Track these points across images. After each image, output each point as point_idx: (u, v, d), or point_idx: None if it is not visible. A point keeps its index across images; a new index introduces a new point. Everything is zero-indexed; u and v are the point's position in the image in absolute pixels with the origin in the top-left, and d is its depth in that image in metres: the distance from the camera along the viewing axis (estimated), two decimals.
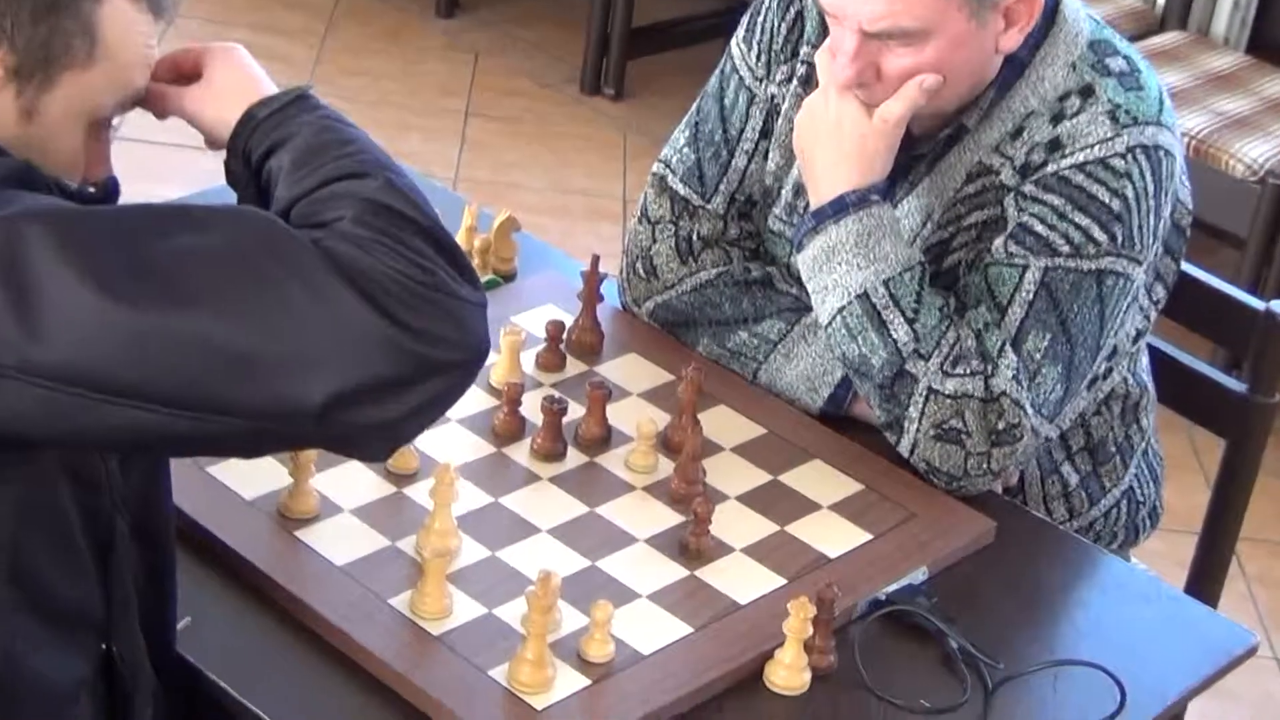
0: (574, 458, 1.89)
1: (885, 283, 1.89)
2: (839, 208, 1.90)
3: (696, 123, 2.10)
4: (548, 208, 3.87)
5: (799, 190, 2.04)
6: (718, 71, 2.11)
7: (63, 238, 1.31)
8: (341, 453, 1.44)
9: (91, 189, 1.48)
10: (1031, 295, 1.89)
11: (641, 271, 2.09)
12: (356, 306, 1.32)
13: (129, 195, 2.01)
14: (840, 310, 1.91)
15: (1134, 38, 3.62)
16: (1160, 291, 2.05)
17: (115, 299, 1.30)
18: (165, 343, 1.30)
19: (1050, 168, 1.91)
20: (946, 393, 1.88)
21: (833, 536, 1.82)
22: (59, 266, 1.29)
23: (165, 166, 3.82)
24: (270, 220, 1.36)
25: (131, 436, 1.33)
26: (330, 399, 1.31)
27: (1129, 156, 1.89)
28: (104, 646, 1.50)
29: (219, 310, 1.31)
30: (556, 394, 1.90)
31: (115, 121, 1.50)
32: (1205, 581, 2.30)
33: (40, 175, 1.40)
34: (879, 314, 1.89)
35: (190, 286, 1.31)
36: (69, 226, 1.32)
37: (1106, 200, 1.89)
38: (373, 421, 1.34)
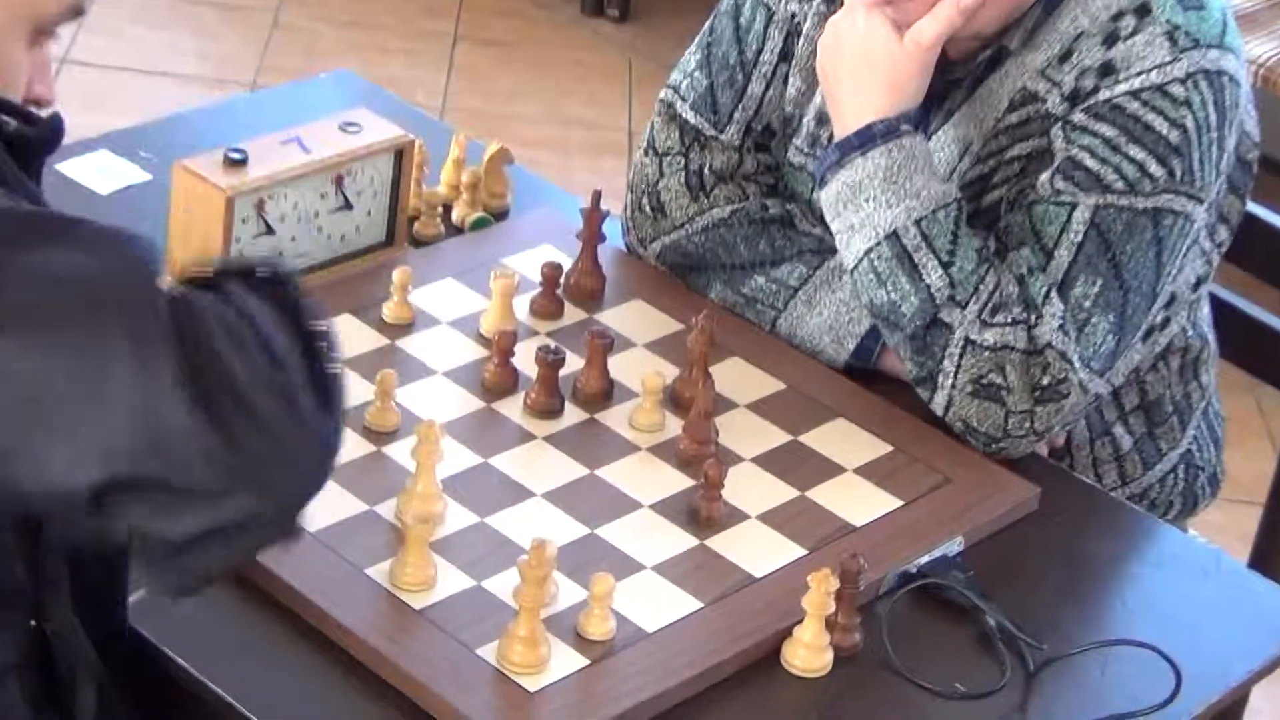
0: (572, 414, 1.89)
1: (917, 222, 1.89)
2: (866, 139, 1.90)
3: (709, 44, 2.09)
4: (544, 140, 3.87)
5: (822, 119, 2.03)
6: None
7: None
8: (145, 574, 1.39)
9: (35, 118, 1.46)
10: (1080, 236, 1.89)
11: (648, 209, 2.09)
12: (181, 406, 1.26)
13: (82, 127, 2.01)
14: (868, 252, 1.91)
15: None
16: (1223, 233, 2.05)
17: None
18: None
19: (1102, 95, 1.90)
20: (985, 344, 1.88)
21: (858, 503, 1.83)
22: None
23: (119, 93, 3.80)
24: (140, 261, 1.31)
25: None
26: (103, 484, 1.25)
27: (1189, 83, 1.88)
28: (33, 624, 1.49)
29: (28, 342, 1.26)
30: (553, 344, 1.90)
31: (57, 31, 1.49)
32: (1271, 555, 2.30)
33: None
34: (910, 257, 1.89)
35: (18, 308, 1.26)
36: None
37: (1164, 131, 1.88)
38: (147, 529, 1.29)
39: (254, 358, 1.29)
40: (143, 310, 1.28)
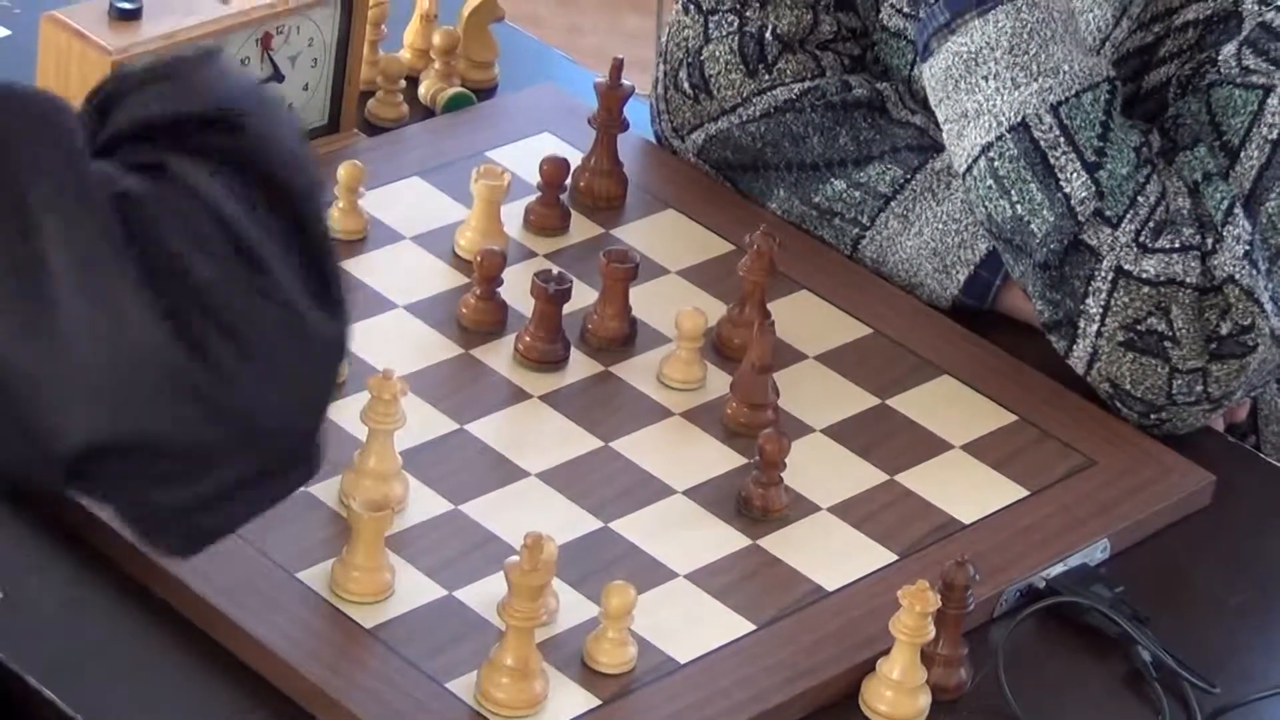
0: (580, 365, 1.90)
1: (1054, 108, 1.90)
2: None
3: None
4: None
5: None
6: None
7: None
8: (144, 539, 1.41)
9: None
10: (1277, 132, 1.91)
11: (687, 86, 2.10)
12: (147, 320, 1.27)
13: None
14: (986, 149, 1.91)
15: None
16: None
17: None
18: None
19: None
20: (1145, 276, 1.89)
21: (968, 492, 1.84)
22: None
23: None
24: (58, 116, 1.31)
25: None
26: (89, 449, 1.28)
27: None
28: None
29: None
30: (554, 268, 1.90)
31: None
32: None
33: None
34: (1044, 156, 1.90)
35: None
36: None
37: None
38: (159, 503, 1.33)
39: (227, 263, 1.30)
40: (70, 200, 1.28)
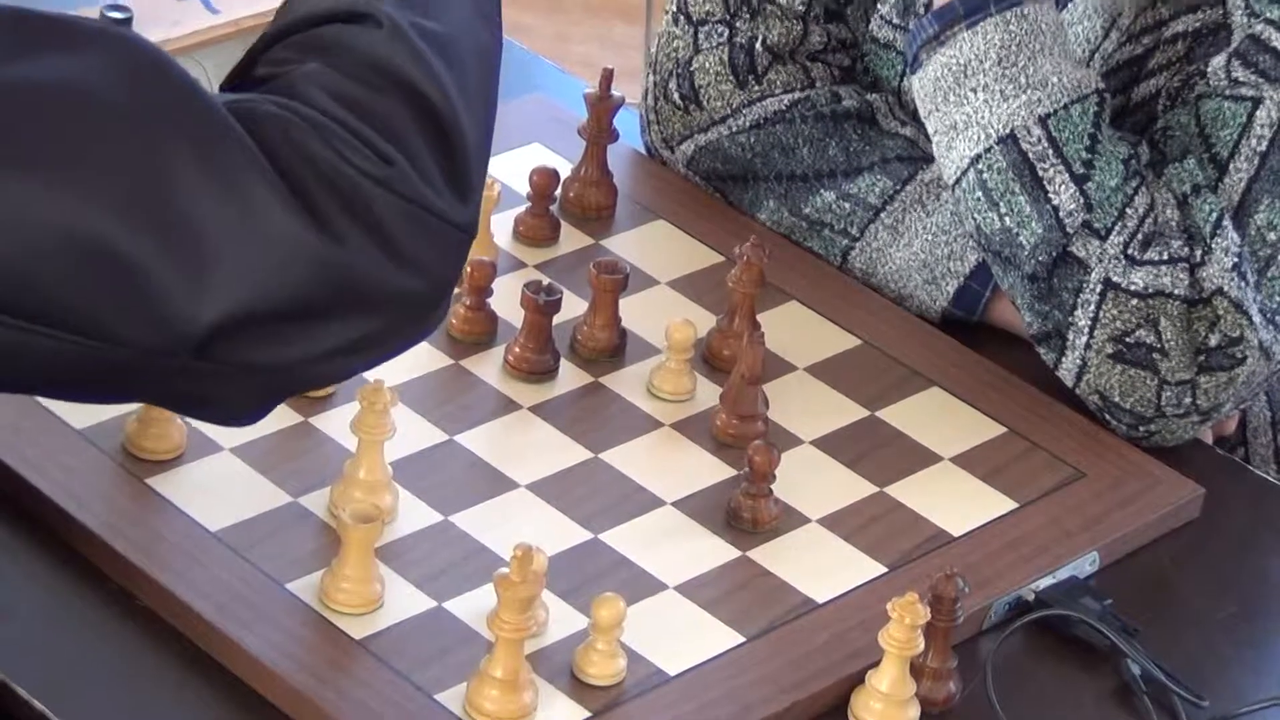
0: (570, 376, 1.90)
1: (1043, 120, 1.90)
2: (975, 5, 1.91)
3: None
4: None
5: None
6: None
7: None
8: (192, 409, 1.47)
9: None
10: (1265, 144, 1.90)
11: (677, 97, 2.09)
12: (269, 199, 1.36)
13: None
14: (975, 161, 1.91)
15: None
16: None
17: None
18: None
19: None
20: (1133, 288, 1.88)
21: (958, 504, 1.84)
22: None
23: None
24: (166, 61, 1.39)
25: None
26: (219, 324, 1.35)
27: None
28: None
29: (69, 177, 1.33)
30: (544, 279, 1.90)
31: None
32: None
33: None
34: (1033, 167, 1.89)
35: (29, 136, 1.33)
36: None
37: None
38: (262, 361, 1.38)
39: (357, 151, 1.39)
40: (192, 112, 1.37)
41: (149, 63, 1.39)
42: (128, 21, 1.95)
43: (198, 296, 1.34)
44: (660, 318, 1.91)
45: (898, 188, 2.03)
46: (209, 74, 1.97)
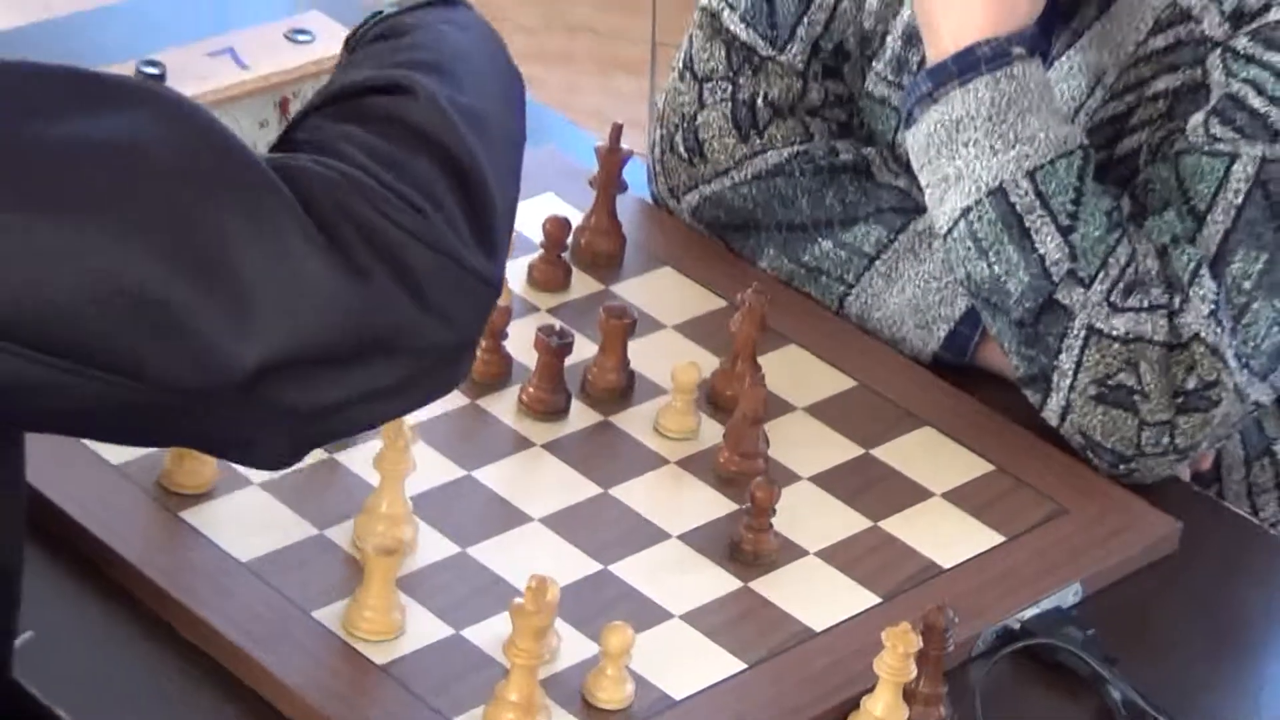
0: (580, 415, 1.90)
1: (1030, 174, 1.90)
2: (967, 65, 1.92)
3: None
4: (543, 52, 3.88)
5: (911, 38, 2.05)
6: None
7: None
8: (229, 452, 1.47)
9: None
10: (1241, 197, 1.90)
11: (682, 149, 2.10)
12: (308, 249, 1.37)
13: None
14: (966, 212, 1.92)
15: None
16: None
17: None
18: (38, 259, 1.32)
19: (1275, 14, 1.92)
20: (1115, 334, 1.89)
21: (947, 538, 1.84)
22: None
23: None
24: (219, 127, 1.40)
25: None
26: (259, 367, 1.35)
27: None
28: None
29: (121, 227, 1.34)
30: (557, 323, 1.91)
31: None
32: None
33: None
34: (1020, 219, 1.90)
35: (84, 187, 1.34)
36: None
37: None
38: (300, 404, 1.38)
39: (392, 206, 1.40)
40: (237, 168, 1.38)
41: (197, 121, 1.40)
42: (161, 77, 1.95)
43: (240, 341, 1.35)
44: (666, 360, 1.92)
45: (891, 237, 2.03)
46: (241, 127, 1.98)
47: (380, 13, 1.57)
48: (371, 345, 1.39)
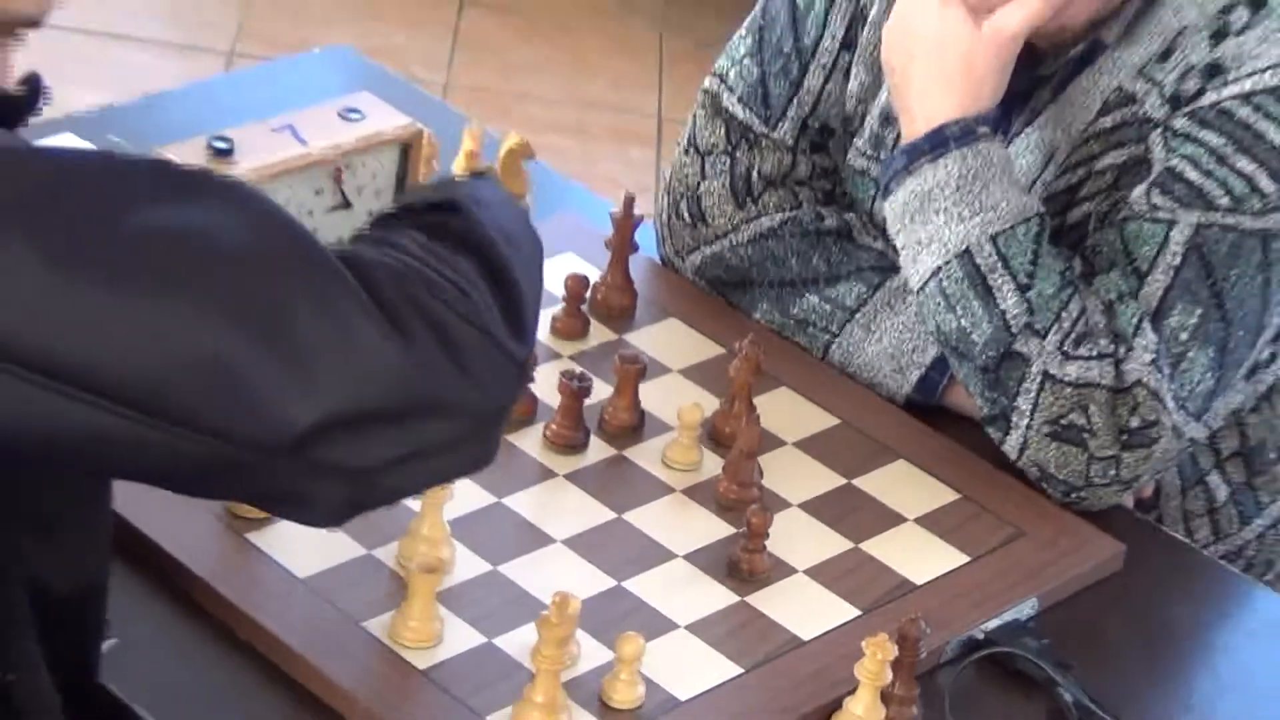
0: (597, 449, 1.90)
1: (993, 238, 1.90)
2: (937, 142, 1.92)
3: (761, 27, 2.11)
4: (563, 125, 3.88)
5: (888, 119, 2.05)
6: None
7: (32, 202, 1.34)
8: (281, 508, 1.46)
9: (13, 91, 1.49)
10: (1179, 259, 1.90)
11: (686, 215, 2.10)
12: (364, 322, 1.37)
13: None
14: (936, 272, 1.92)
15: None
16: None
17: (71, 270, 1.33)
18: (130, 330, 1.33)
19: (1208, 98, 1.92)
20: (1067, 379, 1.89)
21: (920, 557, 1.84)
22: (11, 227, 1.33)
23: (81, 62, 3.81)
24: (288, 216, 1.42)
25: (54, 432, 1.35)
26: (317, 425, 1.35)
27: None
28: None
29: (203, 306, 1.35)
30: (577, 368, 1.91)
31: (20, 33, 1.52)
32: None
33: None
34: (984, 278, 1.90)
35: (170, 267, 1.35)
36: (37, 188, 1.35)
37: (1278, 141, 1.89)
38: (347, 463, 1.38)
39: (441, 288, 1.41)
40: (308, 260, 1.38)
41: (269, 212, 1.41)
42: (230, 150, 1.95)
43: (298, 402, 1.34)
44: (673, 401, 1.92)
45: (870, 293, 2.03)
46: (300, 194, 1.98)
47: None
48: (416, 406, 1.39)
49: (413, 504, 1.75)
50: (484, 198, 1.54)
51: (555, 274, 2.04)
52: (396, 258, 1.42)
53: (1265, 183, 1.90)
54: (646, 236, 2.12)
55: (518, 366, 1.45)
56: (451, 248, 1.45)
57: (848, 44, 2.07)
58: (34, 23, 1.51)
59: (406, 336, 1.38)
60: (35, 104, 1.50)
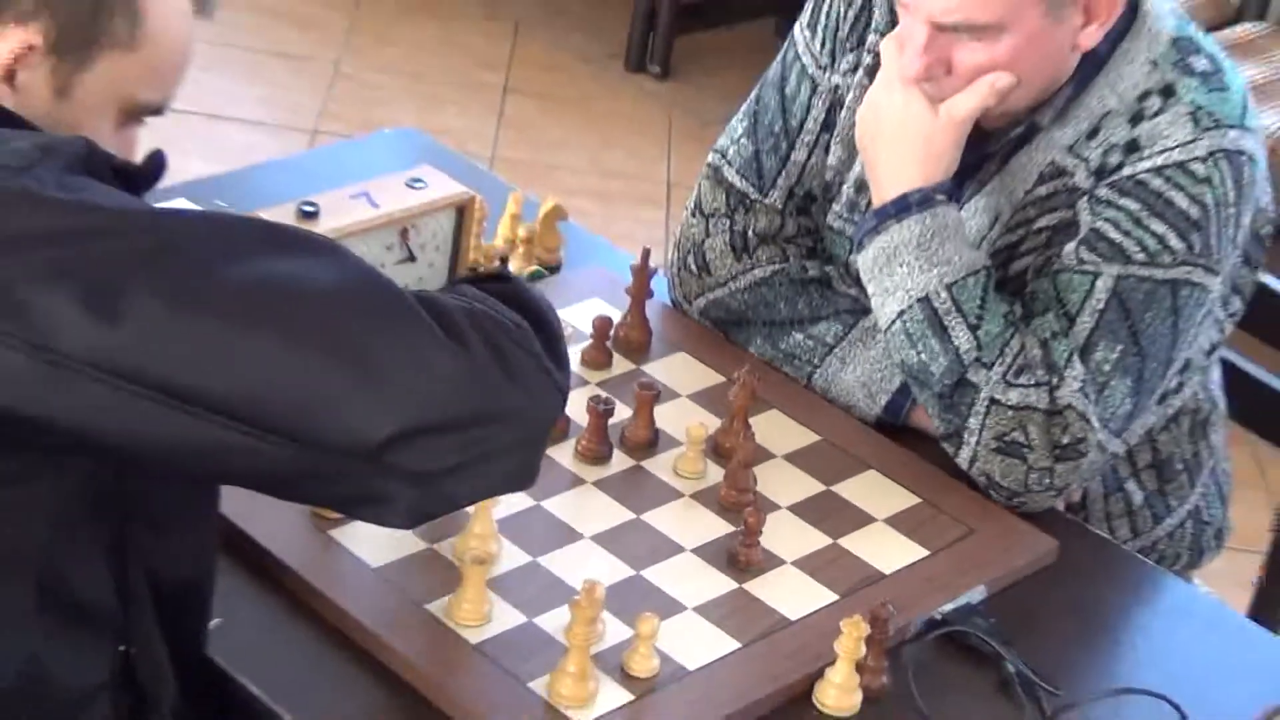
0: (619, 461, 1.89)
1: (948, 287, 1.90)
2: (902, 207, 1.91)
3: (755, 112, 2.10)
4: (588, 190, 3.88)
5: (861, 187, 2.04)
6: (779, 59, 2.11)
7: (158, 255, 1.36)
8: (365, 512, 1.46)
9: (140, 165, 1.50)
10: (1102, 304, 1.89)
11: (693, 267, 2.10)
12: (445, 345, 1.39)
13: None
14: (900, 314, 1.91)
15: (1209, 28, 3.58)
16: (1236, 303, 2.05)
17: (190, 312, 1.34)
18: (243, 359, 1.33)
19: (1127, 171, 1.91)
20: (1009, 404, 1.89)
21: (887, 551, 1.83)
22: (150, 281, 1.35)
23: (189, 138, 3.82)
24: (366, 264, 1.44)
25: (180, 444, 1.36)
26: (393, 435, 1.36)
27: (1210, 161, 1.89)
28: (122, 649, 1.52)
29: (303, 338, 1.36)
30: (603, 394, 1.91)
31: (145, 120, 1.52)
32: (1270, 605, 2.29)
33: (100, 154, 1.42)
34: (940, 319, 1.90)
35: (281, 313, 1.37)
36: (171, 241, 1.37)
37: (1185, 207, 1.89)
38: (417, 468, 1.39)
39: (499, 322, 1.44)
40: (389, 304, 1.41)
41: (349, 263, 1.43)
42: (316, 213, 1.95)
43: (377, 416, 1.36)
44: (682, 420, 1.91)
45: (846, 331, 2.02)
46: (373, 250, 1.98)
47: None
48: (478, 417, 1.40)
49: (468, 508, 1.73)
50: (518, 279, 1.58)
51: (584, 315, 2.06)
52: (460, 299, 1.45)
53: (1175, 241, 1.89)
54: (660, 284, 2.12)
55: (560, 391, 1.46)
56: (504, 299, 1.48)
57: (827, 126, 2.07)
58: (158, 110, 1.52)
59: (470, 358, 1.39)
60: (158, 175, 1.50)
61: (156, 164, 1.50)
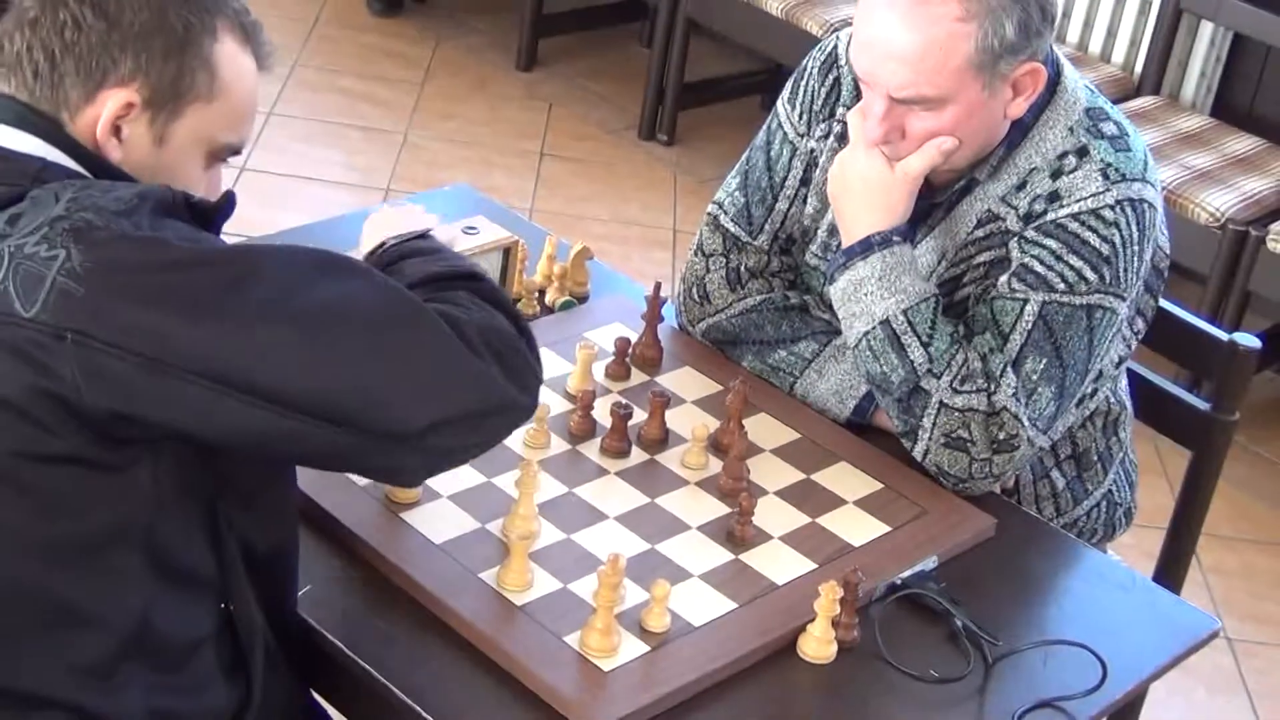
0: (637, 455, 1.88)
1: (904, 311, 1.89)
2: (866, 247, 1.90)
3: (746, 171, 2.09)
4: (609, 235, 3.87)
5: (833, 230, 2.03)
6: (765, 127, 2.10)
7: (242, 280, 1.36)
8: (387, 477, 1.51)
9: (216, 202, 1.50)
10: (1030, 325, 1.88)
11: (696, 297, 2.08)
12: (465, 354, 1.40)
13: (258, 221, 2.01)
14: (865, 334, 1.90)
15: (1116, 100, 3.60)
16: (1140, 324, 2.04)
17: (266, 326, 1.35)
18: (299, 360, 1.36)
19: (1049, 216, 1.90)
20: (955, 406, 1.87)
21: (856, 528, 1.82)
22: (235, 301, 1.36)
23: (286, 195, 3.83)
24: (408, 293, 1.44)
25: (265, 435, 1.36)
26: (431, 424, 1.38)
27: (1117, 208, 1.88)
28: (223, 606, 1.51)
29: (350, 347, 1.37)
30: (623, 400, 1.90)
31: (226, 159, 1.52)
32: (1171, 571, 2.28)
33: (180, 198, 1.43)
34: (899, 338, 1.88)
35: (340, 327, 1.38)
36: (251, 270, 1.38)
37: (1097, 245, 1.87)
38: (446, 447, 1.42)
39: (500, 331, 1.45)
40: (421, 316, 1.41)
41: (390, 286, 1.42)
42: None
43: (419, 409, 1.38)
44: (688, 422, 1.90)
45: (821, 349, 2.01)
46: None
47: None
48: (491, 410, 1.42)
49: (512, 493, 1.73)
50: (484, 270, 1.57)
51: (607, 337, 2.05)
52: (469, 312, 1.44)
53: (1089, 274, 1.88)
54: (669, 311, 2.11)
55: (540, 383, 1.48)
56: (487, 302, 1.48)
57: (805, 181, 2.06)
58: (236, 150, 1.52)
59: (484, 363, 1.40)
60: (229, 212, 1.50)
61: (229, 202, 1.50)
